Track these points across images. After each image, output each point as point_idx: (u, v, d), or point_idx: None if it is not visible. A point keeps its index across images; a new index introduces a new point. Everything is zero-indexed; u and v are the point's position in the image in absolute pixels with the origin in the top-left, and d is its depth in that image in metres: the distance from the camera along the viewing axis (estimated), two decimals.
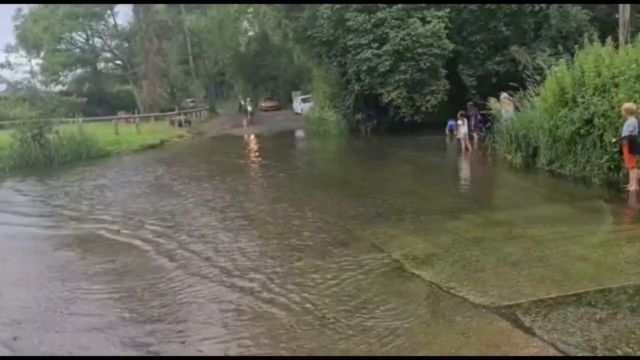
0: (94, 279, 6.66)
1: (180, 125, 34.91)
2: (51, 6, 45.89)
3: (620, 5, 13.56)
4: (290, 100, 46.16)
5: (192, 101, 53.21)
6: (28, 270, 7.24)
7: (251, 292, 5.80)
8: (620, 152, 9.38)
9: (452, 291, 5.33)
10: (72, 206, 11.58)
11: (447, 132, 18.95)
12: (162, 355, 4.66)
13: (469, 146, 16.00)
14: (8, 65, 49.80)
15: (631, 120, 8.95)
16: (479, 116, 16.50)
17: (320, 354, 4.41)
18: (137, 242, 8.15)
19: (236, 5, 41.19)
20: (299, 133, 29.53)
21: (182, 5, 46.20)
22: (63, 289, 6.32)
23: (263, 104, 49.84)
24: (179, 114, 37.30)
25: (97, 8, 45.74)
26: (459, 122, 16.35)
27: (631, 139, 8.93)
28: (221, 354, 4.59)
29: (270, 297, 5.61)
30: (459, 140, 16.43)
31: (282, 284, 5.95)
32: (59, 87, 48.52)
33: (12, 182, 16.30)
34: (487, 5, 21.03)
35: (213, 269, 6.68)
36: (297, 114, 39.96)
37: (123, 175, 16.27)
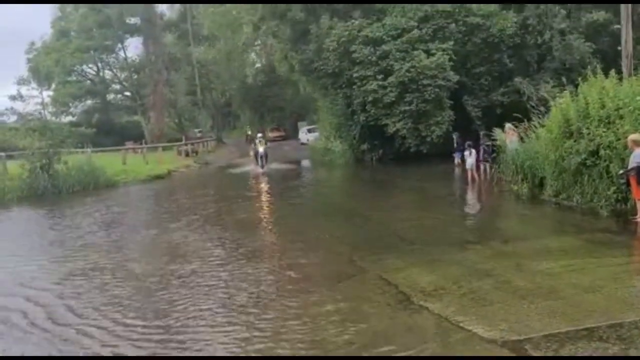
0: None
1: (187, 155, 35.22)
2: (63, 39, 47.03)
3: (623, 38, 13.74)
4: (296, 131, 46.55)
5: (200, 131, 53.82)
6: None
7: (254, 327, 5.76)
8: (628, 184, 9.35)
9: (461, 325, 5.26)
10: None
11: (459, 161, 18.81)
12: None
13: (476, 176, 16.01)
14: (20, 97, 50.96)
15: (638, 152, 8.93)
16: (485, 147, 16.51)
17: None
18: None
19: (244, 37, 41.94)
20: (305, 163, 29.68)
21: (190, 38, 47.15)
22: None
23: (269, 134, 50.30)
24: (186, 144, 37.66)
25: (108, 41, 46.78)
26: (466, 152, 16.39)
27: (638, 171, 8.90)
28: None
29: (274, 329, 5.57)
30: (465, 170, 16.45)
31: (284, 317, 5.90)
32: (68, 118, 49.38)
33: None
34: (491, 38, 21.38)
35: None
36: (303, 144, 40.26)
37: (124, 208, 16.32)
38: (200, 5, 43.58)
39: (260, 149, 24.51)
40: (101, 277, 8.24)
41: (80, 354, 5.39)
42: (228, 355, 4.72)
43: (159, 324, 6.01)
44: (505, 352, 4.65)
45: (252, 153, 34.34)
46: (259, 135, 27.25)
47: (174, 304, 6.61)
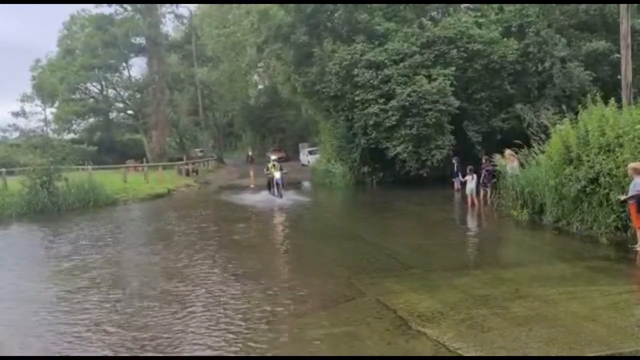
0: None
1: (187, 174, 35.25)
2: (68, 57, 47.47)
3: (623, 68, 13.88)
4: (297, 152, 46.69)
5: (201, 151, 53.99)
6: None
7: (245, 350, 5.69)
8: (624, 209, 9.32)
9: (459, 351, 5.20)
10: None
11: (459, 187, 18.74)
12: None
13: (476, 201, 15.99)
14: (23, 113, 51.22)
15: (638, 180, 8.92)
16: (485, 172, 16.50)
17: None
18: None
19: (247, 59, 42.48)
20: (306, 184, 29.65)
21: (194, 58, 47.63)
22: None
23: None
24: (187, 164, 37.73)
25: (113, 60, 47.19)
26: (468, 177, 16.39)
27: (639, 199, 8.88)
28: None
29: (267, 350, 5.50)
30: (465, 194, 16.44)
31: (278, 339, 5.83)
32: (70, 136, 49.48)
33: None
34: (492, 65, 21.61)
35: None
36: (303, 165, 40.32)
37: (118, 228, 16.16)
38: (205, 26, 44.14)
39: (277, 175, 20.17)
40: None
41: None
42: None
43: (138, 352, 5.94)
44: None
45: (251, 173, 34.50)
46: (273, 158, 22.39)
47: (161, 326, 6.54)
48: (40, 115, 53.49)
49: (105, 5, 44.55)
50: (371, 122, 21.99)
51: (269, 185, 20.90)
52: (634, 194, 8.92)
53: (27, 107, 52.47)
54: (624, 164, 9.54)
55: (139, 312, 7.11)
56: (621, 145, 10.11)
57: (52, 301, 7.96)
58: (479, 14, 23.37)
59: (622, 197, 9.36)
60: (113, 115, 53.31)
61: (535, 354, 5.02)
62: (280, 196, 19.83)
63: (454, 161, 19.99)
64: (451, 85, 21.20)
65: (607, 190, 10.03)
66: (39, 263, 10.98)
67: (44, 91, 49.11)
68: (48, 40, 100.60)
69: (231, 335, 6.10)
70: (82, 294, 8.16)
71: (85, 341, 6.15)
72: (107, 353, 5.76)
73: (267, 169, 20.83)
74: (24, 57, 73.00)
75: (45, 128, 50.97)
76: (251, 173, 35.16)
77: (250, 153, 53.68)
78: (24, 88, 63.89)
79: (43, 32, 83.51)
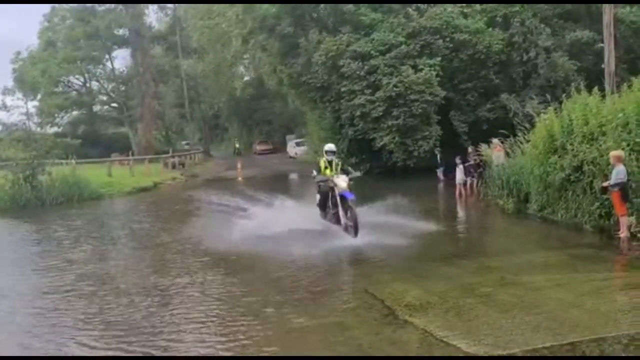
0: None
1: (174, 167, 35.00)
2: (50, 50, 46.70)
3: (606, 57, 14.01)
4: (285, 144, 46.61)
5: (187, 144, 53.62)
6: None
7: (232, 340, 5.68)
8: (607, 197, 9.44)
9: (445, 340, 5.23)
10: None
11: (442, 177, 19.05)
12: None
13: (463, 191, 16.10)
14: (4, 107, 50.32)
15: (620, 168, 9.04)
16: (472, 162, 16.60)
17: None
18: None
19: (232, 50, 42.09)
20: (293, 176, 29.60)
21: (179, 50, 47.13)
22: None
23: (257, 147, 50.39)
24: (173, 157, 37.47)
25: (95, 52, 46.53)
26: (457, 168, 16.49)
27: (622, 187, 9.00)
28: None
29: (255, 342, 5.50)
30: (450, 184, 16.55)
31: (271, 330, 5.84)
32: (54, 129, 48.76)
33: None
34: (477, 55, 21.68)
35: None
36: (291, 157, 40.23)
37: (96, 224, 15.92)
38: (190, 17, 43.67)
39: (341, 183, 10.58)
40: None
41: None
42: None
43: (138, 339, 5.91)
44: None
45: (238, 165, 34.05)
46: (327, 149, 11.59)
47: (154, 320, 6.51)
48: (22, 109, 52.58)
49: None
50: (358, 113, 21.99)
51: (323, 201, 11.06)
52: (617, 182, 9.04)
53: (9, 100, 51.57)
54: (607, 152, 9.64)
55: (125, 307, 7.06)
56: (604, 134, 10.22)
57: (37, 298, 7.88)
58: (464, 4, 23.38)
59: (605, 183, 9.45)
60: (97, 108, 52.59)
61: (520, 340, 5.08)
62: (355, 231, 9.80)
63: (436, 152, 20.19)
64: (437, 75, 21.24)
65: (590, 179, 10.15)
66: (21, 259, 10.84)
67: (25, 84, 48.25)
68: (29, 33, 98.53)
69: (219, 327, 6.08)
70: (69, 290, 8.08)
71: (77, 337, 6.10)
72: (102, 352, 5.70)
73: (318, 172, 11.01)
74: (4, 49, 71.43)
75: (27, 122, 50.18)
76: (239, 165, 34.94)
77: (237, 145, 53.42)
78: (5, 81, 62.74)
79: (23, 24, 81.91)
